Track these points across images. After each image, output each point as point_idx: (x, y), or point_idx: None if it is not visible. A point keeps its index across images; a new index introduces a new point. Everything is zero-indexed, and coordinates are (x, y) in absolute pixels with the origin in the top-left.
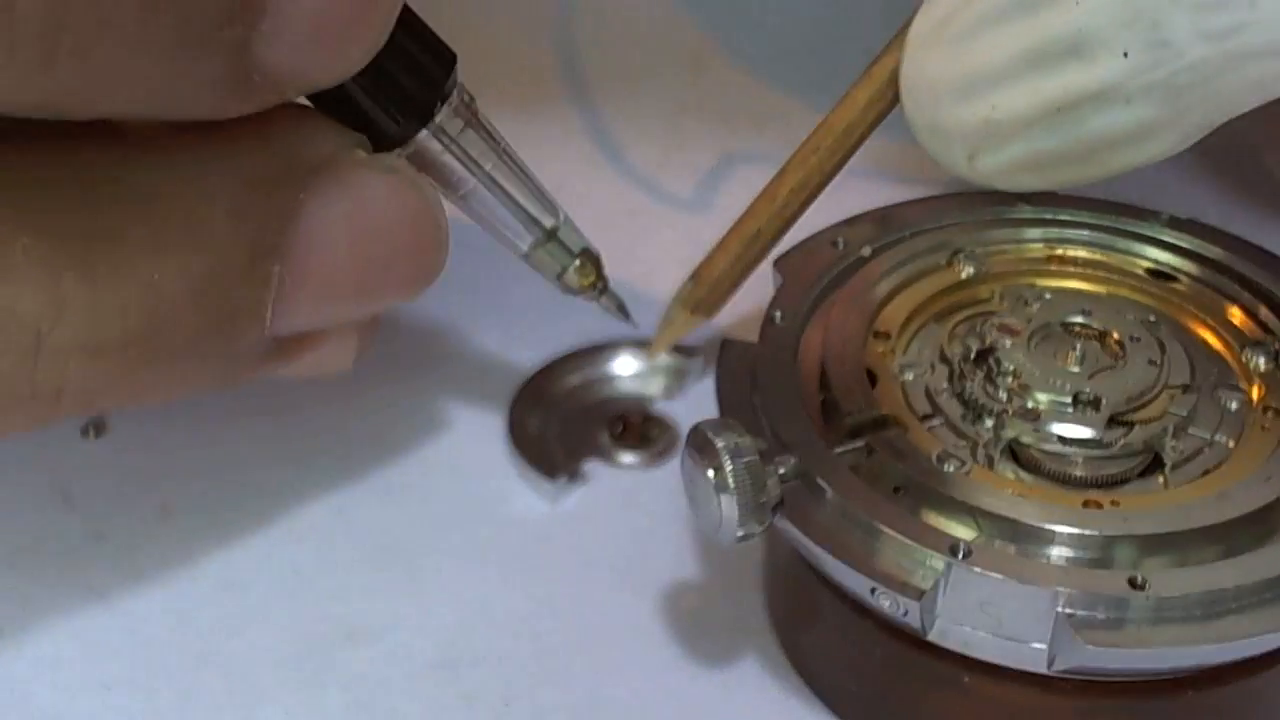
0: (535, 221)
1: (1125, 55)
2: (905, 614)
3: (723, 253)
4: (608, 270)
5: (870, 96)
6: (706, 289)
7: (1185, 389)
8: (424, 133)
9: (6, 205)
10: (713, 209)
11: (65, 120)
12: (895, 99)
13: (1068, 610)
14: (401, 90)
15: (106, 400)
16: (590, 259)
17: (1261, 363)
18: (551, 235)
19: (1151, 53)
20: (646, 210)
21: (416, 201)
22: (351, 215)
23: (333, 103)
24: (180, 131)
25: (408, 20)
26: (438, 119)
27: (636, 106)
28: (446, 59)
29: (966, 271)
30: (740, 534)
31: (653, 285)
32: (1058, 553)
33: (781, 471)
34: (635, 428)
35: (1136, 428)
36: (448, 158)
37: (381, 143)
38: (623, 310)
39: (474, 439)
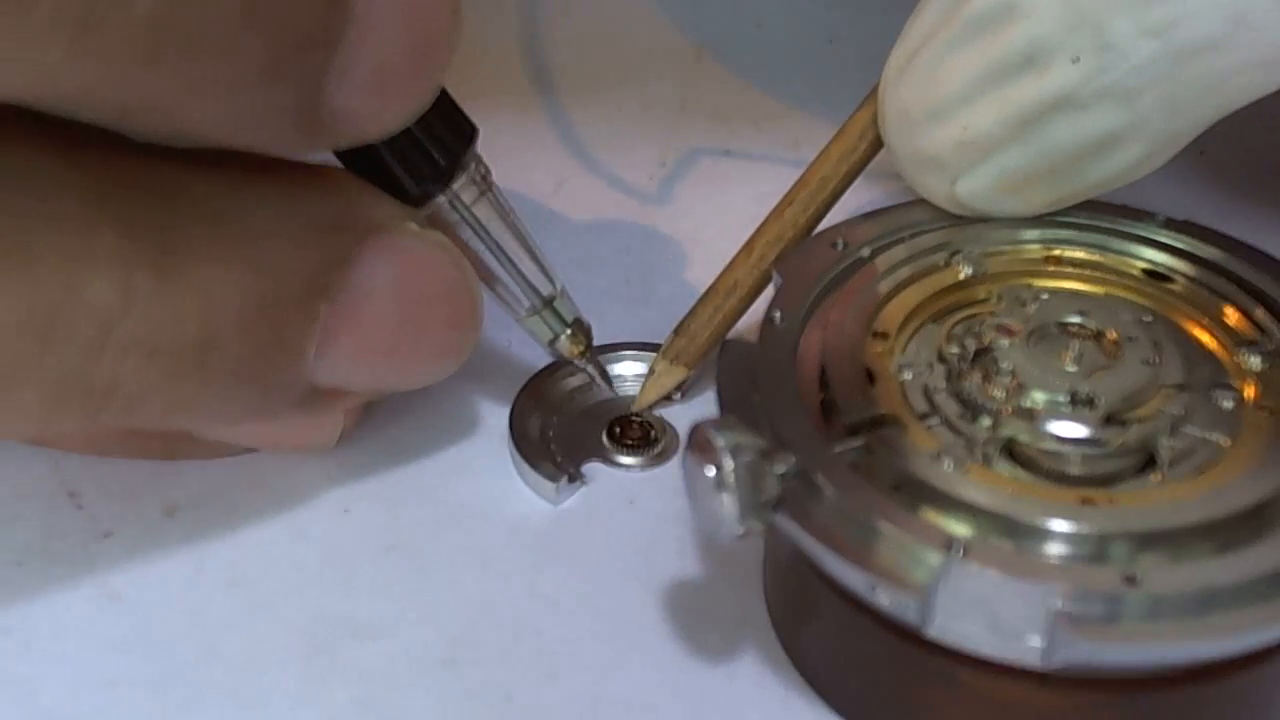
0: (534, 289)
1: (1075, 61)
2: (904, 610)
3: (702, 306)
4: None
5: (843, 150)
6: (686, 340)
7: (1180, 388)
8: (441, 198)
9: (93, 201)
10: (674, 203)
11: (133, 133)
12: (869, 152)
13: (1064, 607)
14: (425, 156)
15: (150, 407)
16: (581, 329)
17: (1256, 362)
18: (548, 303)
19: (1099, 56)
20: (608, 202)
21: (459, 279)
22: (398, 278)
23: (362, 162)
24: (253, 169)
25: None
26: (454, 187)
27: (602, 103)
28: (468, 131)
29: (965, 272)
30: (740, 532)
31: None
32: (1054, 550)
33: (781, 470)
34: (635, 428)
35: (1132, 426)
36: (460, 224)
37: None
38: (606, 379)
39: (476, 439)
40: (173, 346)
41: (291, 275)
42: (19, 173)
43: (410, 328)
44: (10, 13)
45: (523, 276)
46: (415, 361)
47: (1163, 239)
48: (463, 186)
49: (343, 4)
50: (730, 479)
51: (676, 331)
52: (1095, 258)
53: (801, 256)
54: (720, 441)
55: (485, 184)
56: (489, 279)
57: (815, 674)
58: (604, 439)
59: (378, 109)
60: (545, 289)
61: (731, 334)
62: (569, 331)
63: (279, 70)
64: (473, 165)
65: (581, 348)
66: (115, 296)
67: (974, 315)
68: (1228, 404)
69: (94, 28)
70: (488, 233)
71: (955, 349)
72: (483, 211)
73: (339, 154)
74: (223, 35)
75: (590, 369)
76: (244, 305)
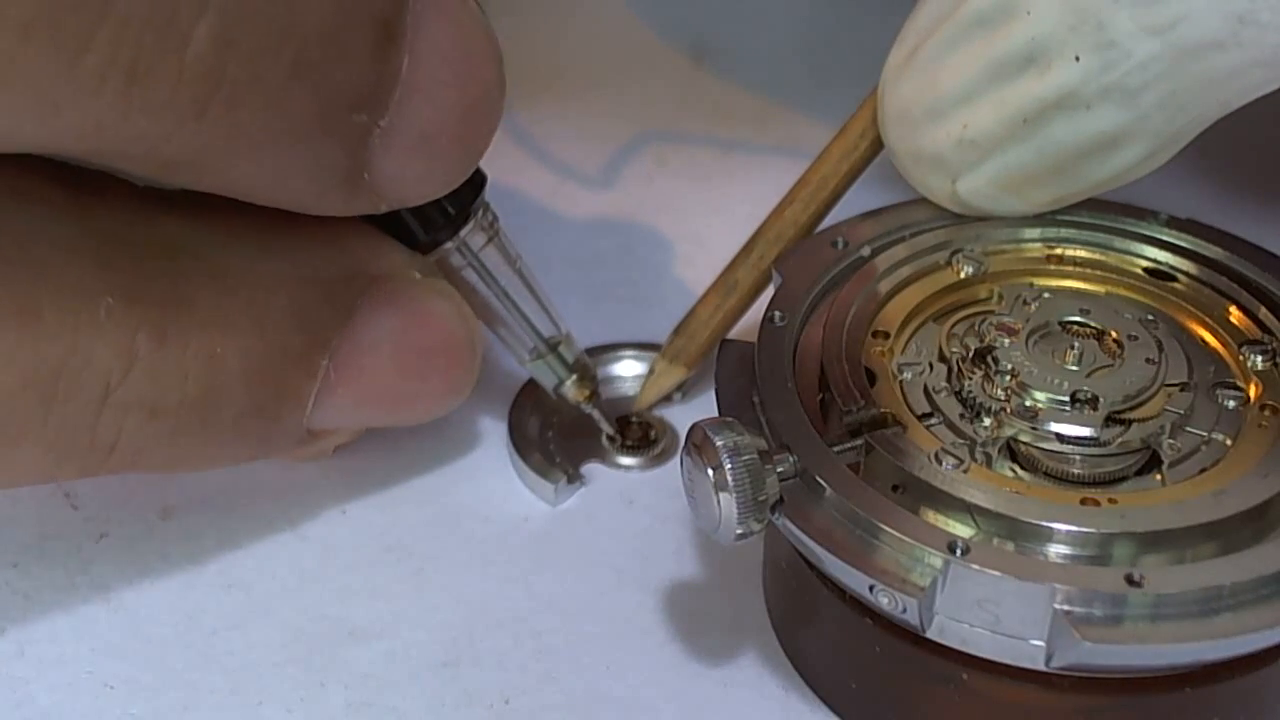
0: (539, 334)
1: (1077, 59)
2: (904, 611)
3: (702, 305)
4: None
5: (843, 150)
6: (686, 340)
7: (1183, 387)
8: (449, 245)
9: (98, 264)
10: (674, 202)
11: (174, 186)
12: (869, 152)
13: (1065, 607)
14: (435, 204)
15: (148, 462)
16: (587, 373)
17: (1259, 361)
18: (553, 348)
19: (1101, 54)
20: (608, 201)
21: (459, 329)
22: (399, 329)
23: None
24: (257, 221)
25: None
26: (463, 234)
27: (602, 103)
28: (477, 179)
29: (965, 271)
30: (739, 532)
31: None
32: (1055, 550)
33: (780, 470)
34: (635, 429)
35: (1134, 426)
36: (467, 270)
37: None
38: (610, 423)
39: (475, 440)
40: (173, 405)
41: (294, 332)
42: (28, 234)
43: (409, 377)
44: (59, 61)
45: (527, 321)
46: (412, 407)
47: (1165, 237)
48: (471, 233)
49: (390, 66)
50: (730, 479)
51: (676, 331)
52: (1097, 256)
53: (801, 256)
54: (720, 442)
55: (493, 230)
56: (494, 322)
57: (815, 675)
58: (603, 440)
59: (421, 174)
60: (549, 332)
61: (731, 334)
62: (574, 376)
63: (324, 128)
64: (480, 212)
65: (588, 393)
66: (117, 359)
67: (975, 314)
68: (1231, 403)
69: (143, 78)
70: (494, 279)
71: (956, 348)
72: (490, 258)
73: None
74: (271, 90)
75: (595, 414)
76: (246, 363)
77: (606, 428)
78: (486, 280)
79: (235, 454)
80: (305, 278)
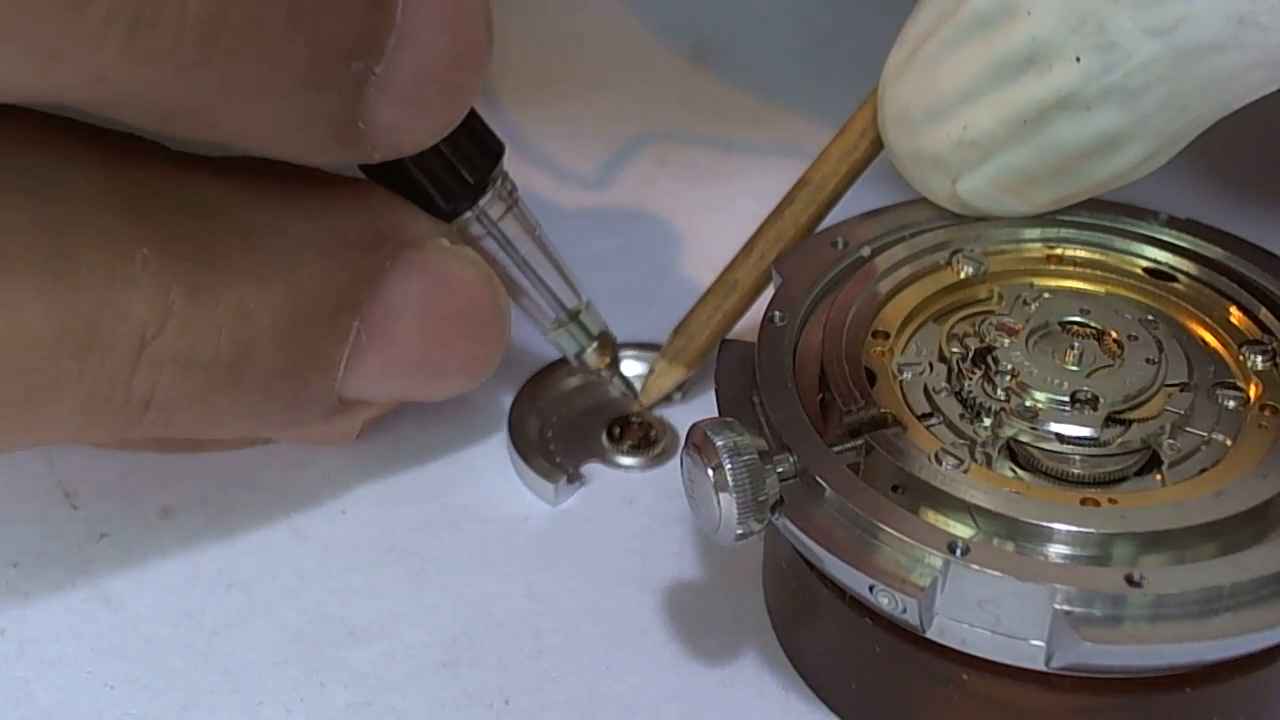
0: (560, 303)
1: (1078, 60)
2: (904, 611)
3: (702, 305)
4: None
5: (844, 150)
6: (686, 340)
7: (1183, 387)
8: (468, 214)
9: (131, 216)
10: (674, 202)
11: (174, 136)
12: (869, 152)
13: (1065, 607)
14: (454, 173)
15: (181, 422)
16: (607, 341)
17: (1259, 361)
18: (574, 316)
19: (1101, 55)
20: (608, 201)
21: (488, 296)
22: (428, 294)
23: (393, 179)
24: (285, 183)
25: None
26: (482, 203)
27: (602, 103)
28: (495, 149)
29: (965, 271)
30: (739, 532)
31: None
32: (1055, 550)
33: (780, 470)
34: (635, 429)
35: (1134, 426)
36: (487, 240)
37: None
38: (630, 389)
39: (475, 439)
40: (207, 361)
41: (324, 291)
42: (60, 186)
43: (438, 344)
44: (65, 11)
45: (549, 290)
46: (442, 376)
47: (1165, 237)
48: (490, 202)
49: (386, 14)
50: (730, 480)
51: (676, 331)
52: (1097, 256)
53: (801, 256)
54: (720, 442)
55: (512, 199)
56: (515, 292)
57: (815, 675)
58: (603, 439)
59: (414, 121)
60: (571, 301)
61: (731, 334)
62: (595, 344)
63: (321, 77)
64: (499, 181)
65: (608, 360)
66: (151, 312)
67: (975, 315)
68: (1231, 403)
69: (146, 27)
70: (514, 248)
71: (956, 349)
72: (509, 227)
73: (371, 173)
74: (269, 39)
75: (617, 380)
76: (277, 321)
77: (627, 392)
78: (507, 249)
79: (267, 420)
80: (335, 240)
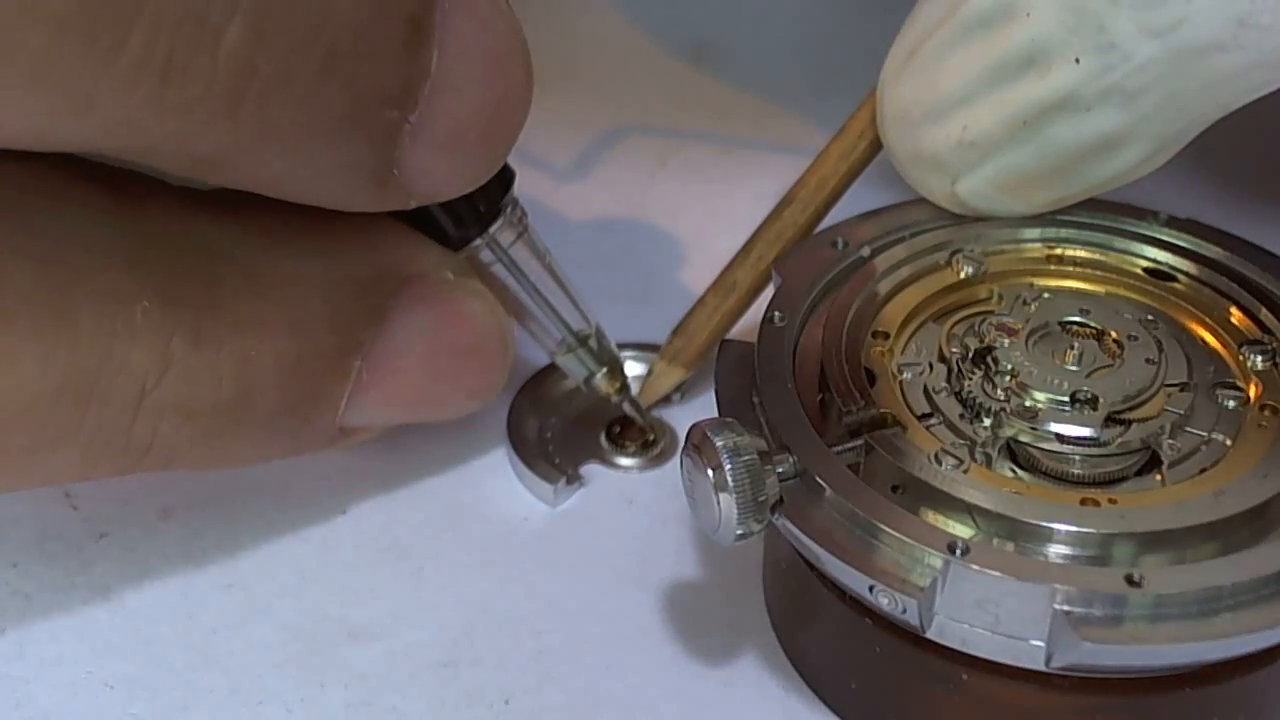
0: (568, 328)
1: (1077, 61)
2: (904, 611)
3: (701, 306)
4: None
5: (843, 150)
6: (685, 340)
7: (1183, 387)
8: (479, 241)
9: (135, 268)
10: (674, 202)
11: (205, 183)
12: (869, 152)
13: (1065, 608)
14: (466, 201)
15: (183, 461)
16: (617, 365)
17: (1259, 361)
18: (583, 342)
19: (1101, 56)
20: (608, 201)
21: (492, 328)
22: (432, 329)
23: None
24: (290, 222)
25: None
26: (493, 230)
27: (601, 103)
28: (506, 176)
29: (965, 271)
30: (739, 533)
31: None
32: (1055, 550)
33: (780, 470)
34: (635, 429)
35: (1134, 426)
36: (497, 266)
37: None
38: (643, 414)
39: (474, 440)
40: (208, 406)
41: (327, 333)
42: (66, 241)
43: (441, 378)
44: (94, 58)
45: (557, 315)
46: (443, 407)
47: (1165, 237)
48: (500, 229)
49: (420, 63)
50: (730, 480)
51: (675, 332)
52: (1097, 256)
53: (801, 256)
54: (719, 442)
55: (522, 225)
56: (524, 317)
57: (815, 676)
58: (603, 440)
59: (450, 169)
60: (579, 326)
61: (731, 334)
62: (605, 369)
63: (354, 126)
64: (510, 208)
65: (618, 385)
66: (152, 362)
67: (975, 315)
68: (1231, 403)
69: (177, 76)
70: (524, 274)
71: (956, 349)
72: (519, 253)
73: None
74: (302, 88)
75: (628, 406)
76: (280, 365)
77: (635, 415)
78: (517, 276)
79: (268, 452)
80: (338, 279)
